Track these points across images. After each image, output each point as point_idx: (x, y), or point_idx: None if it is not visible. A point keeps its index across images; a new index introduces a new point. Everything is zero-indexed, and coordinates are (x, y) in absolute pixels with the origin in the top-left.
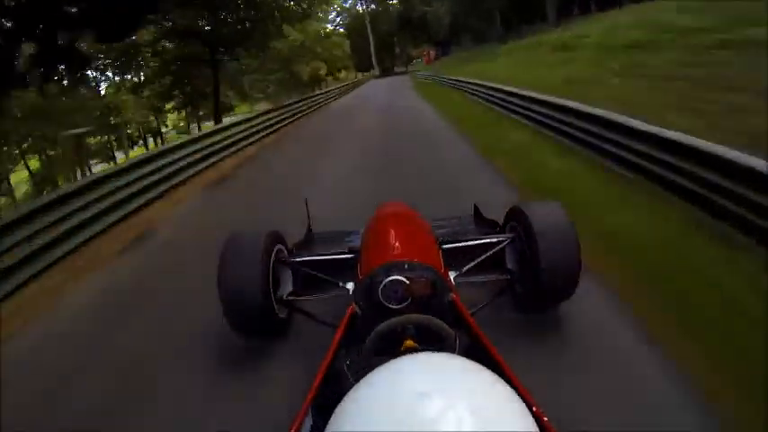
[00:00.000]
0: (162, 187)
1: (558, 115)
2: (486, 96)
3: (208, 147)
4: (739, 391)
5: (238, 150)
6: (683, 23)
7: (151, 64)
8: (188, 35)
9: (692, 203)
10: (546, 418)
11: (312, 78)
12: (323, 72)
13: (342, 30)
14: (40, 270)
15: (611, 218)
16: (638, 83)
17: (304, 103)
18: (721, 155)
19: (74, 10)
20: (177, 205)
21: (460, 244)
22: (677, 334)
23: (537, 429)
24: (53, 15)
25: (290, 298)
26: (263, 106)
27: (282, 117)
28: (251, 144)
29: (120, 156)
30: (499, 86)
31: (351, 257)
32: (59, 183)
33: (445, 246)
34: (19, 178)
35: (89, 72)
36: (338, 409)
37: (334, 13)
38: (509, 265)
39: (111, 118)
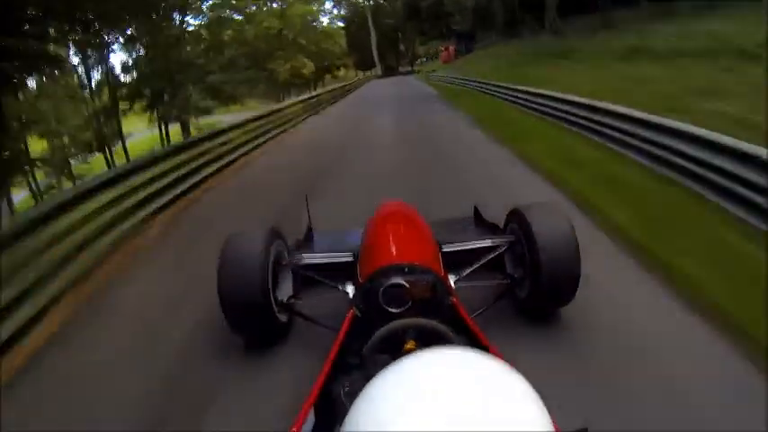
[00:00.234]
0: None
1: None
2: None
3: None
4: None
5: None
6: None
7: None
8: None
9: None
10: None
11: (296, 78)
12: (307, 71)
13: (340, 23)
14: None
15: None
16: None
17: (257, 126)
18: None
19: None
20: None
21: (461, 247)
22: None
23: (551, 424)
24: None
25: (290, 301)
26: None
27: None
28: None
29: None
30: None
31: (350, 260)
32: None
33: (445, 248)
34: None
35: None
36: (353, 408)
37: (330, 3)
38: (509, 269)
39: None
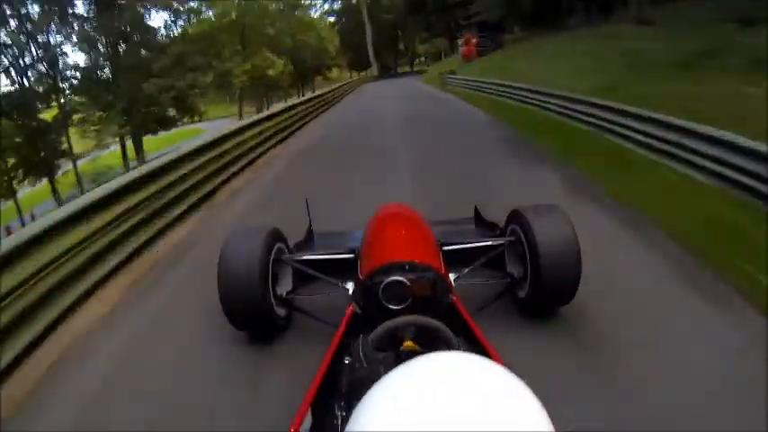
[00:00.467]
0: None
1: None
2: None
3: None
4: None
5: None
6: None
7: None
8: None
9: None
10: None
11: (258, 80)
12: (275, 71)
13: (331, 18)
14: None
15: None
16: None
17: None
18: None
19: None
20: None
21: (461, 246)
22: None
23: (551, 426)
24: None
25: (290, 296)
26: None
27: None
28: None
29: None
30: None
31: (351, 257)
32: None
33: (446, 247)
34: None
35: None
36: (356, 411)
37: None
38: (509, 268)
39: None
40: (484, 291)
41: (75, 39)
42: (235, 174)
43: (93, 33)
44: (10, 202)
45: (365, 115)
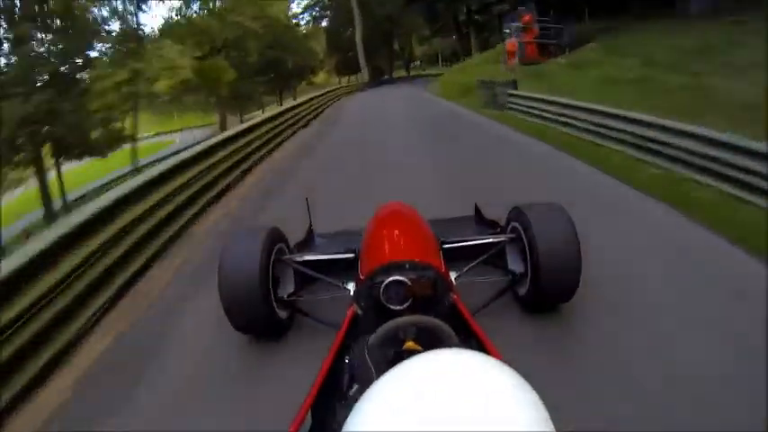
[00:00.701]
0: None
1: None
2: None
3: None
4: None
5: None
6: None
7: None
8: None
9: None
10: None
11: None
12: (169, 83)
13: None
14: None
15: None
16: None
17: None
18: None
19: None
20: None
21: (461, 244)
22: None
23: (551, 425)
24: None
25: (291, 298)
26: None
27: None
28: None
29: None
30: None
31: (351, 257)
32: None
33: (446, 245)
34: None
35: None
36: (355, 410)
37: None
38: (510, 266)
39: None
40: (484, 289)
41: None
42: None
43: None
44: None
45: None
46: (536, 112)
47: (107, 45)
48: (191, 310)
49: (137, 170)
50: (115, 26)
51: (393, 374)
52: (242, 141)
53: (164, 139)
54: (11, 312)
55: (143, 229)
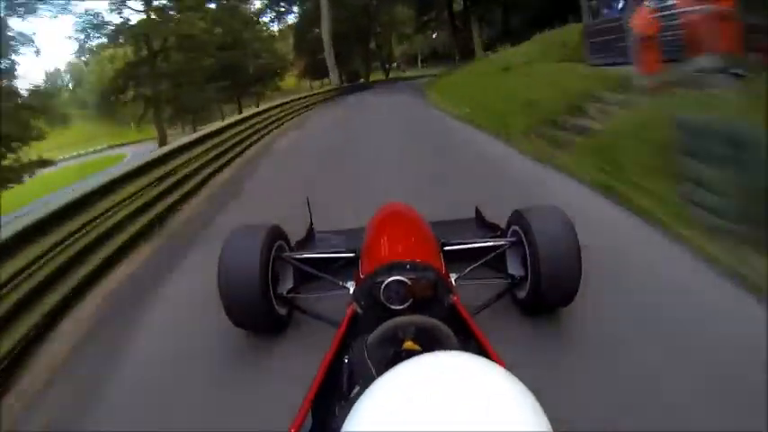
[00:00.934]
0: None
1: None
2: None
3: None
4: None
5: None
6: None
7: None
8: None
9: None
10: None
11: None
12: None
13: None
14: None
15: None
16: None
17: None
18: None
19: None
20: None
21: (462, 246)
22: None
23: (548, 427)
24: None
25: (290, 295)
26: None
27: None
28: None
29: None
30: None
31: (351, 256)
32: None
33: (447, 247)
34: None
35: None
36: (354, 411)
37: None
38: (510, 269)
39: None
40: (484, 291)
41: None
42: None
43: None
44: None
45: None
46: None
47: None
48: None
49: None
50: None
51: (392, 376)
52: None
53: (115, 152)
54: None
55: None
